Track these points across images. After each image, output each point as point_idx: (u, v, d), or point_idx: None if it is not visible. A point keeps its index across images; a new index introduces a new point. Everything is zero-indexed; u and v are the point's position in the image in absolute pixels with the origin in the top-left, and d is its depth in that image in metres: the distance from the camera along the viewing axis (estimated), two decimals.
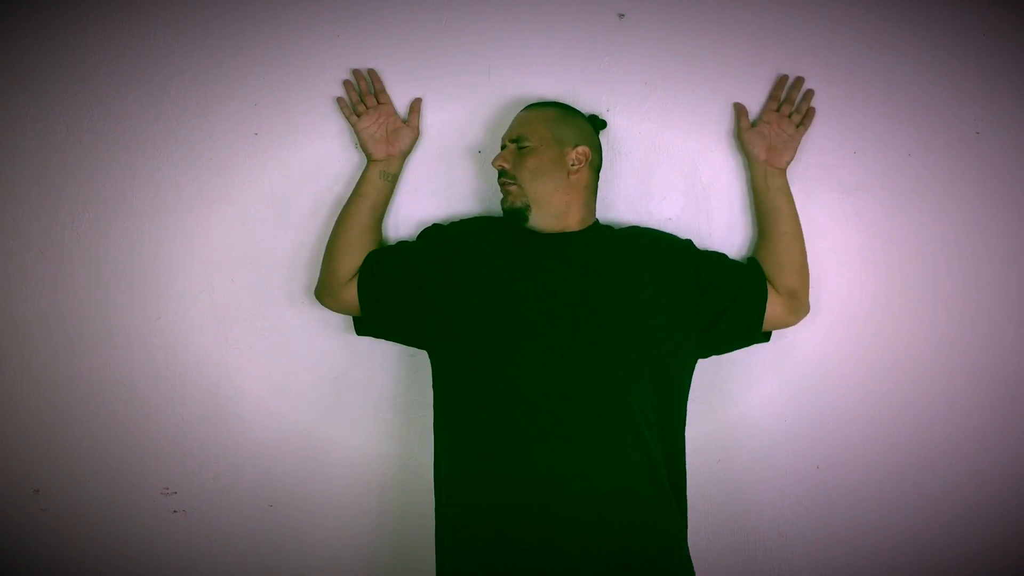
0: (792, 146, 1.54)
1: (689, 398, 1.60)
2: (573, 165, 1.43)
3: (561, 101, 1.52)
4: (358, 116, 1.54)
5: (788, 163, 1.53)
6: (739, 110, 1.56)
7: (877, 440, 1.62)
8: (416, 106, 1.56)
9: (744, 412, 1.58)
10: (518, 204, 1.42)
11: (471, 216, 1.57)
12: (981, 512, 1.63)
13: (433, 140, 1.58)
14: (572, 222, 1.44)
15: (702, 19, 1.55)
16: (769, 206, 1.53)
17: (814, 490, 1.63)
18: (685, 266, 1.45)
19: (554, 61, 1.56)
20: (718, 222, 1.59)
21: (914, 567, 1.65)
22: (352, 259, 1.48)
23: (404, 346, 1.59)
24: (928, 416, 1.62)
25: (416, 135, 1.55)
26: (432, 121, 1.57)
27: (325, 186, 1.58)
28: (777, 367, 1.60)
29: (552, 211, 1.42)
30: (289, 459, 1.63)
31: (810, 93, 1.56)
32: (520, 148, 1.43)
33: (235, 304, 1.61)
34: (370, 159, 1.52)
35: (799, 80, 1.56)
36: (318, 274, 1.52)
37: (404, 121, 1.56)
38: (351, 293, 1.48)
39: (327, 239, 1.56)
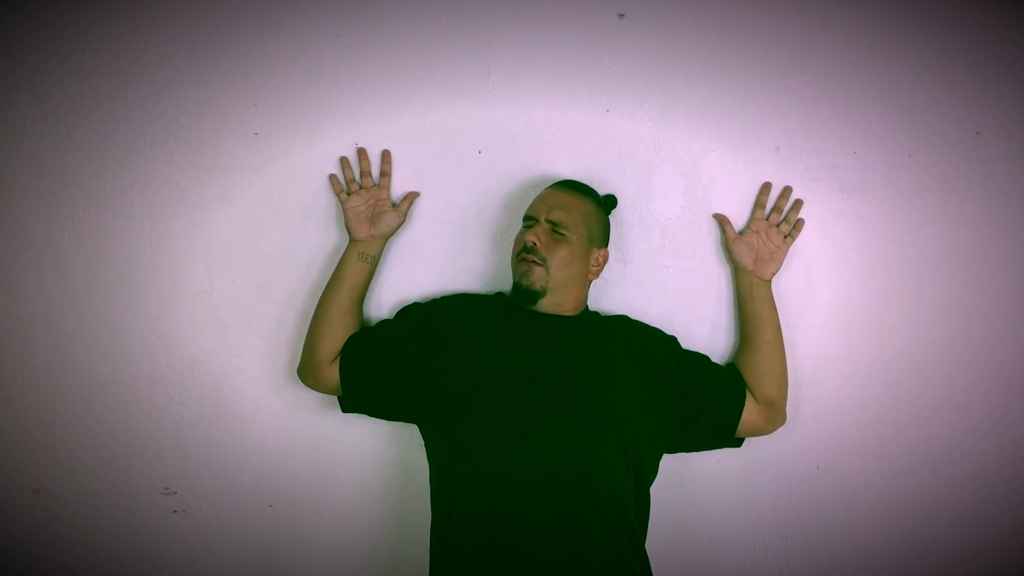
0: (779, 257, 1.55)
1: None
2: (593, 266, 1.46)
3: (586, 184, 1.53)
4: (349, 195, 1.54)
5: (774, 274, 1.54)
6: (722, 220, 1.57)
7: (877, 440, 1.62)
8: (410, 197, 1.56)
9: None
10: (537, 286, 1.42)
11: (450, 294, 1.57)
12: (981, 512, 1.63)
13: (432, 141, 1.58)
14: (568, 309, 1.45)
15: (702, 19, 1.55)
16: (753, 315, 1.53)
17: (814, 490, 1.63)
18: (668, 364, 1.46)
19: (554, 61, 1.56)
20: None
21: (914, 567, 1.65)
22: (332, 342, 1.48)
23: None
24: (928, 416, 1.62)
25: (401, 221, 1.54)
26: (432, 121, 1.57)
27: (325, 186, 1.58)
28: None
29: (559, 299, 1.44)
30: (289, 459, 1.63)
31: (799, 203, 1.57)
32: (556, 232, 1.43)
33: (235, 304, 1.61)
34: (351, 238, 1.52)
35: (787, 189, 1.57)
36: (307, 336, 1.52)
37: (394, 205, 1.55)
38: (333, 376, 1.47)
39: (326, 242, 1.56)
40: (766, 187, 1.57)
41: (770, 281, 1.54)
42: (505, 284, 1.58)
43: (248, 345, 1.61)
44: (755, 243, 1.55)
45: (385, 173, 1.55)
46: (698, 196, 1.58)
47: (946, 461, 1.62)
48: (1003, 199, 1.58)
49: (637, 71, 1.57)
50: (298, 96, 1.57)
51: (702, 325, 1.60)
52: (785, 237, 1.56)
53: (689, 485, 1.62)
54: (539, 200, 1.47)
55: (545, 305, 1.43)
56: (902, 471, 1.62)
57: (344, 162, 1.56)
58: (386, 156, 1.56)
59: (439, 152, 1.58)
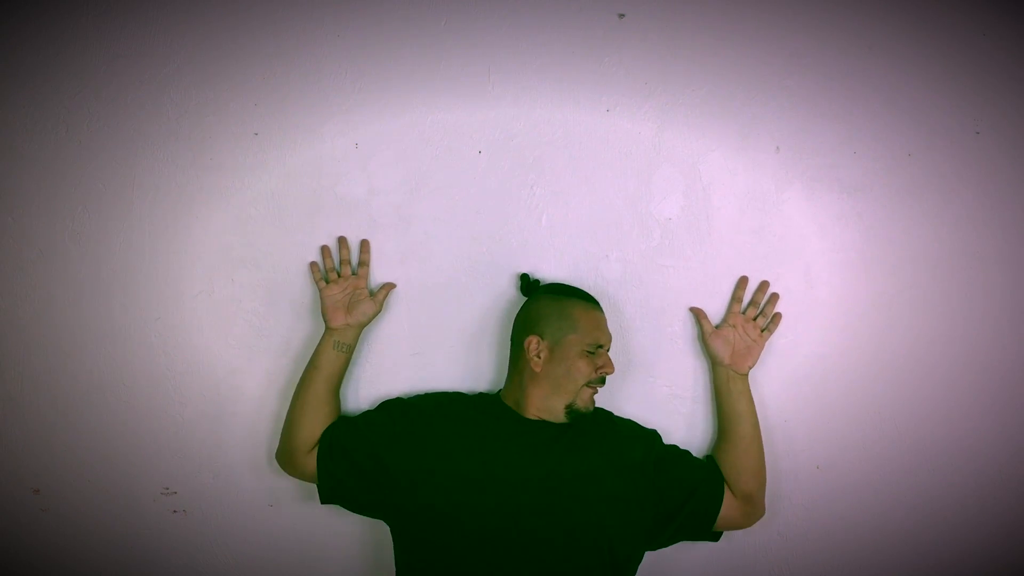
0: (756, 351, 1.55)
1: (690, 398, 1.61)
2: None
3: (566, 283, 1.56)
4: (327, 283, 1.54)
5: (750, 368, 1.54)
6: (699, 314, 1.57)
7: (877, 440, 1.62)
8: (387, 287, 1.56)
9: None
10: (593, 407, 1.45)
11: (433, 392, 1.57)
12: (981, 512, 1.63)
13: (432, 141, 1.58)
14: None
15: (702, 19, 1.55)
16: (730, 409, 1.53)
17: (814, 490, 1.63)
18: (646, 464, 1.45)
19: (554, 61, 1.56)
20: (718, 222, 1.59)
21: (914, 567, 1.65)
22: (309, 432, 1.48)
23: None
24: (928, 416, 1.62)
25: (377, 310, 1.54)
26: (432, 121, 1.57)
27: (325, 186, 1.58)
28: (777, 367, 1.60)
29: None
30: None
31: (775, 297, 1.57)
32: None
33: (235, 304, 1.61)
34: (327, 326, 1.52)
35: (764, 284, 1.57)
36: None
37: (371, 294, 1.56)
38: (311, 465, 1.47)
39: (328, 246, 1.56)
40: (743, 281, 1.57)
41: (747, 375, 1.54)
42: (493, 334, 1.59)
43: (248, 345, 1.61)
44: (732, 337, 1.55)
45: (364, 263, 1.56)
46: (698, 196, 1.59)
47: (946, 461, 1.62)
48: (1003, 199, 1.59)
49: (637, 71, 1.57)
50: (298, 96, 1.57)
51: (679, 421, 1.60)
52: (762, 331, 1.56)
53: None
54: (601, 328, 1.46)
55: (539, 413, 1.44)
56: (902, 471, 1.62)
57: (325, 251, 1.57)
58: (365, 246, 1.57)
59: (439, 152, 1.58)
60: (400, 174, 1.58)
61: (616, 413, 1.58)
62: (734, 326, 1.55)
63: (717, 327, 1.57)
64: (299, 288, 1.59)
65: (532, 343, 1.43)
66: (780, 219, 1.59)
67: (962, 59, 1.56)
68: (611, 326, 1.57)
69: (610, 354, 1.52)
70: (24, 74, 1.56)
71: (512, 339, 1.50)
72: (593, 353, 1.43)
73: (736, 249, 1.59)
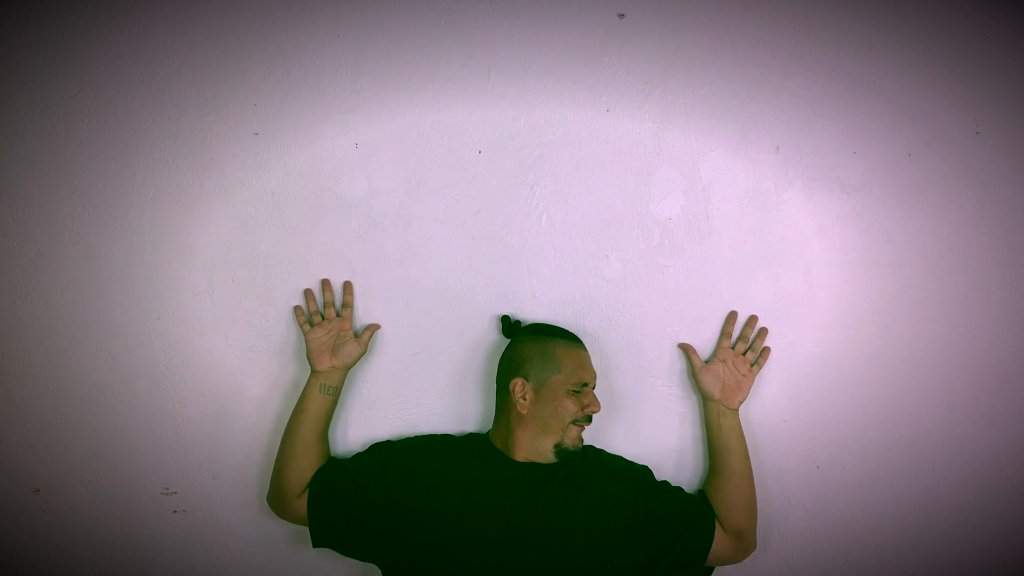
0: (746, 386, 1.54)
1: (683, 396, 1.60)
2: None
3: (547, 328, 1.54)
4: (311, 326, 1.54)
5: (741, 403, 1.54)
6: (688, 350, 1.57)
7: (877, 440, 1.62)
8: (372, 328, 1.56)
9: (744, 412, 1.58)
10: (581, 445, 1.45)
11: (422, 435, 1.57)
12: (980, 511, 1.63)
13: (432, 141, 1.58)
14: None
15: (702, 19, 1.56)
16: (721, 445, 1.53)
17: (814, 490, 1.63)
18: (636, 503, 1.45)
19: (554, 61, 1.56)
20: (718, 222, 1.59)
21: (913, 566, 1.65)
22: (298, 475, 1.48)
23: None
24: (927, 416, 1.62)
25: (363, 352, 1.54)
26: (432, 121, 1.57)
27: (325, 186, 1.58)
28: (777, 367, 1.60)
29: None
30: None
31: (764, 331, 1.57)
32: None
33: (235, 304, 1.61)
34: (312, 369, 1.52)
35: (752, 318, 1.57)
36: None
37: (356, 335, 1.55)
38: (302, 509, 1.47)
39: (311, 289, 1.57)
40: (732, 316, 1.57)
41: (737, 410, 1.54)
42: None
43: (248, 345, 1.61)
44: (722, 372, 1.55)
45: (347, 304, 1.56)
46: (698, 196, 1.59)
47: (946, 461, 1.62)
48: (1003, 199, 1.59)
49: (637, 71, 1.57)
50: (298, 96, 1.57)
51: (675, 420, 1.60)
52: (752, 365, 1.56)
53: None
54: (585, 366, 1.46)
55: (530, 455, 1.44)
56: (902, 471, 1.62)
57: (308, 294, 1.57)
58: (348, 287, 1.57)
59: (439, 152, 1.58)
60: (400, 174, 1.58)
61: (616, 411, 1.58)
62: (724, 361, 1.55)
63: (707, 362, 1.57)
64: (298, 288, 1.60)
65: (517, 386, 1.43)
66: (780, 219, 1.59)
67: (962, 59, 1.56)
68: (609, 326, 1.57)
69: (608, 354, 1.52)
70: (24, 74, 1.56)
71: (497, 382, 1.50)
72: (579, 392, 1.43)
73: (736, 249, 1.59)
